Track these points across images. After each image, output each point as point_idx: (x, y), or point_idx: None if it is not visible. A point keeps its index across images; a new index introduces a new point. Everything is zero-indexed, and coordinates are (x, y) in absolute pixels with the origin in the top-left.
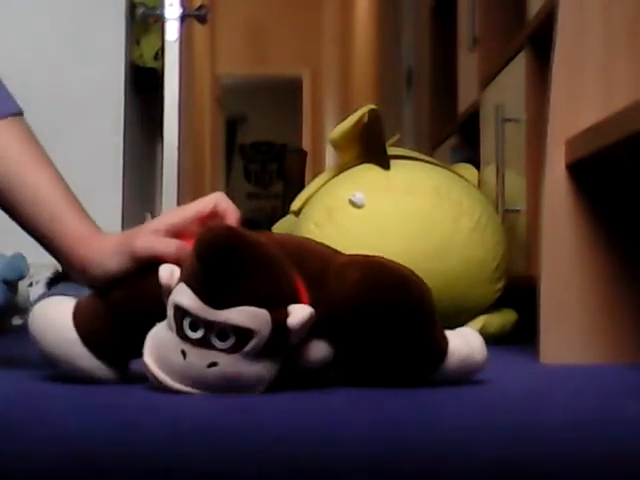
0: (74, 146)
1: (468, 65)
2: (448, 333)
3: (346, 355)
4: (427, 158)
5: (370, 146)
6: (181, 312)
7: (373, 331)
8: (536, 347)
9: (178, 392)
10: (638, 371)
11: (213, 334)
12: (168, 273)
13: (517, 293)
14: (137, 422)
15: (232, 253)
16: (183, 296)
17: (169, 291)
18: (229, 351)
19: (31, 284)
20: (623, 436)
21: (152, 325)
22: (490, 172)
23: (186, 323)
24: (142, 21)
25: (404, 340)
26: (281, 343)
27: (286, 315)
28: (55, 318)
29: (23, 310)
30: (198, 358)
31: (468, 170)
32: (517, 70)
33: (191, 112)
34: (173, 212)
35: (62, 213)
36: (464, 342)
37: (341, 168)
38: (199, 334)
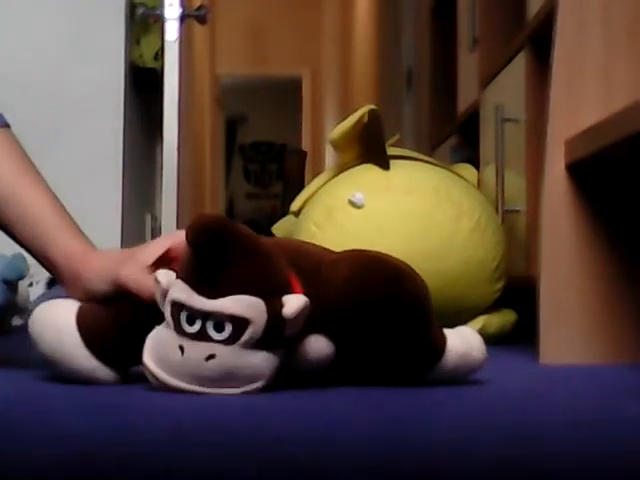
0: (74, 146)
1: (468, 65)
2: (446, 331)
3: (343, 351)
4: (427, 158)
5: (370, 146)
6: (177, 307)
7: (368, 325)
8: (536, 347)
9: (178, 390)
10: (638, 371)
11: (210, 326)
12: (164, 275)
13: (517, 293)
14: (137, 422)
15: (223, 240)
16: (178, 290)
17: (166, 292)
18: (226, 342)
19: (31, 284)
20: (623, 436)
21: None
22: (490, 172)
23: (183, 317)
24: (142, 21)
25: (400, 335)
26: (277, 334)
27: (281, 305)
28: (58, 321)
29: (23, 310)
30: (196, 352)
31: (468, 170)
32: (517, 70)
33: (191, 112)
34: (163, 241)
35: (53, 234)
36: (462, 340)
37: (341, 168)
38: (196, 327)
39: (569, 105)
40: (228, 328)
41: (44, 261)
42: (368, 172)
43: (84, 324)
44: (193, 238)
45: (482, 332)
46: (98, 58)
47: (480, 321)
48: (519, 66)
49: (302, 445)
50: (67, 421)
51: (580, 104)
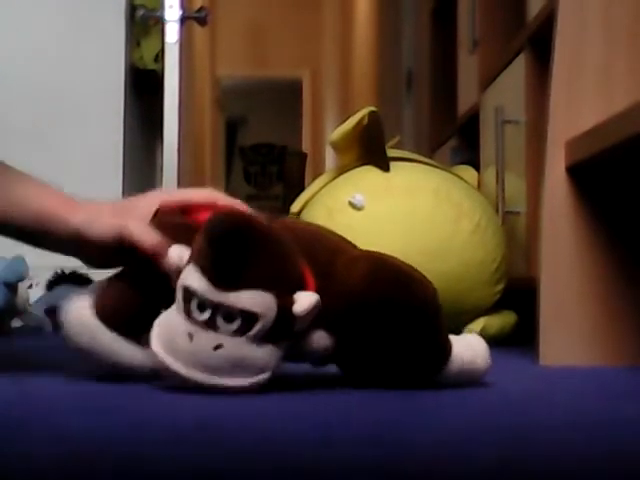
0: (74, 147)
1: (468, 67)
2: (452, 338)
3: (348, 350)
4: (427, 160)
5: (370, 148)
6: (189, 293)
7: (376, 327)
8: (536, 349)
9: (186, 382)
10: (638, 373)
11: (220, 316)
12: (177, 255)
13: (517, 295)
14: (137, 423)
15: (242, 236)
16: (192, 277)
17: (178, 272)
18: (234, 334)
19: (31, 286)
20: (623, 437)
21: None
22: (490, 174)
23: (194, 304)
24: (142, 23)
25: (406, 339)
26: (286, 329)
27: (292, 302)
28: (77, 313)
29: (23, 312)
30: (204, 340)
31: (468, 172)
32: (517, 72)
33: (191, 114)
34: (155, 197)
35: (48, 198)
36: (468, 348)
37: (341, 170)
38: (206, 315)
39: (569, 106)
40: (237, 321)
41: (42, 230)
42: (368, 174)
43: (100, 304)
44: (212, 233)
45: (482, 334)
46: (98, 60)
47: (480, 322)
48: (519, 68)
49: (303, 446)
50: (67, 421)
51: (580, 105)
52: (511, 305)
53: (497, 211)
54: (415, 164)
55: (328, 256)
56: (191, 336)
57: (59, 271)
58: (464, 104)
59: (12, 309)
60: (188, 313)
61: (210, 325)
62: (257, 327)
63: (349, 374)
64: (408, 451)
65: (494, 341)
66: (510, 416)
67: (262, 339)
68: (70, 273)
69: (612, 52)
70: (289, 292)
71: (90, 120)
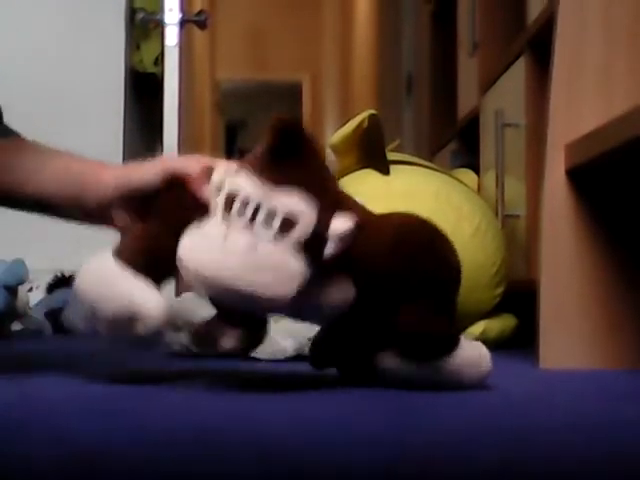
0: (74, 148)
1: (468, 70)
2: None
3: (367, 308)
4: (427, 163)
5: (370, 151)
6: (232, 196)
7: (398, 288)
8: (536, 352)
9: (209, 280)
10: (637, 376)
11: (260, 216)
12: (221, 171)
13: (517, 297)
14: (138, 425)
15: (301, 144)
16: (239, 179)
17: (219, 188)
18: (270, 237)
19: (31, 289)
20: (623, 438)
21: None
22: (490, 177)
23: (236, 204)
24: (142, 26)
25: (425, 300)
26: (318, 247)
27: (329, 222)
28: (95, 264)
29: (23, 315)
30: (239, 239)
31: (468, 175)
32: (517, 75)
33: (191, 117)
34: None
35: (90, 166)
36: (472, 348)
37: (341, 173)
38: (247, 215)
39: (569, 109)
40: (277, 223)
41: (83, 195)
42: (368, 177)
43: (119, 250)
44: (277, 128)
45: (483, 337)
46: (98, 61)
47: (480, 326)
48: (519, 71)
49: (301, 448)
50: (67, 423)
51: (580, 107)
52: (511, 308)
53: (497, 214)
54: (415, 167)
55: (358, 214)
56: (225, 237)
57: (59, 274)
58: (464, 107)
59: (12, 312)
60: (227, 214)
61: (248, 225)
62: (294, 233)
63: (349, 375)
64: (409, 452)
65: (494, 344)
66: (511, 418)
67: (296, 249)
68: (70, 276)
69: (612, 52)
70: (330, 212)
71: (90, 120)
